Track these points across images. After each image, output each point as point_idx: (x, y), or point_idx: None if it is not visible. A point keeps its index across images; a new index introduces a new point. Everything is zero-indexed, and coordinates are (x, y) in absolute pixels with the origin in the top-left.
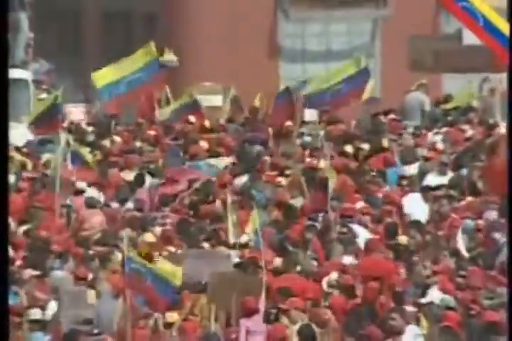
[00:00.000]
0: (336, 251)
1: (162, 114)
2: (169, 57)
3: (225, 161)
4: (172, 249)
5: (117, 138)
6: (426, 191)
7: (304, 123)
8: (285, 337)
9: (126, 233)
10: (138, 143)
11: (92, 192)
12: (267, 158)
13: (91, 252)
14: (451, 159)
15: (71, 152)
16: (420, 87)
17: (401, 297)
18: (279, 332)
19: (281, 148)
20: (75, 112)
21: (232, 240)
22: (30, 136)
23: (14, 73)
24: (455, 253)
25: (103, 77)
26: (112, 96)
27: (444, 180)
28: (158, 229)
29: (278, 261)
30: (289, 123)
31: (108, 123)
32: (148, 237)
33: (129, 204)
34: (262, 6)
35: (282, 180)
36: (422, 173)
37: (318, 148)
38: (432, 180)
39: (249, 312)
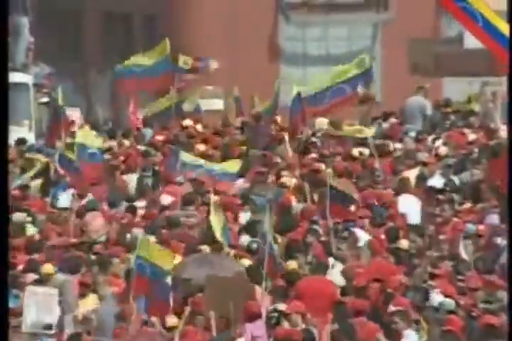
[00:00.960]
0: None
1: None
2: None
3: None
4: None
5: (126, 142)
6: (430, 193)
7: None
8: None
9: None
10: (142, 147)
11: (92, 196)
12: (279, 161)
13: (92, 256)
14: (453, 163)
15: (59, 155)
16: (420, 90)
17: (391, 297)
18: (289, 335)
19: (277, 151)
20: (72, 116)
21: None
22: (31, 140)
23: (15, 77)
24: (455, 257)
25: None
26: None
27: (447, 183)
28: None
29: (294, 264)
30: (303, 128)
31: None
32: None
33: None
34: (262, 9)
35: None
36: (423, 178)
37: (320, 151)
38: (436, 183)
39: (252, 317)
